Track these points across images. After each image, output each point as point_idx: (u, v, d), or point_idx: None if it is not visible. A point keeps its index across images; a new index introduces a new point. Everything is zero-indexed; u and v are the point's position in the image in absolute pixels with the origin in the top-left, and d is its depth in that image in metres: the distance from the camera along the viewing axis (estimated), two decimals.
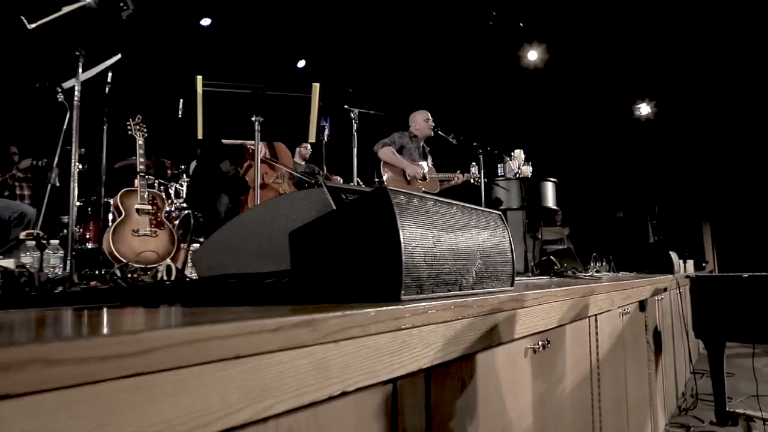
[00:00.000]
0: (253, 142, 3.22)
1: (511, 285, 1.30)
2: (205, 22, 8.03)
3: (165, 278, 1.85)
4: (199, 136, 2.42)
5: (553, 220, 9.72)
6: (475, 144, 4.05)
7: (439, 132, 4.29)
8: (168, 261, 2.82)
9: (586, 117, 9.29)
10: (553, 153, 8.98)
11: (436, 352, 0.87)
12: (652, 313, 3.20)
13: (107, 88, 4.36)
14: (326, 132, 5.13)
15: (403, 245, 0.86)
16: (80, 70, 2.32)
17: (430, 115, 4.38)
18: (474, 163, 5.23)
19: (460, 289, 1.05)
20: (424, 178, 4.23)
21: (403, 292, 0.86)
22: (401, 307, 0.78)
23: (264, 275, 1.07)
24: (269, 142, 3.27)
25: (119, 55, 2.72)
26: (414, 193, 1.00)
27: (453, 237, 1.05)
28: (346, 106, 3.18)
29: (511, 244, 1.29)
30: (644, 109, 9.42)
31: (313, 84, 2.54)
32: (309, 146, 6.17)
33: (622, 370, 2.44)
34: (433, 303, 0.87)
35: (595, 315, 1.92)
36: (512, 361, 1.31)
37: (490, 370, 1.18)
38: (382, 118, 3.76)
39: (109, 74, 4.40)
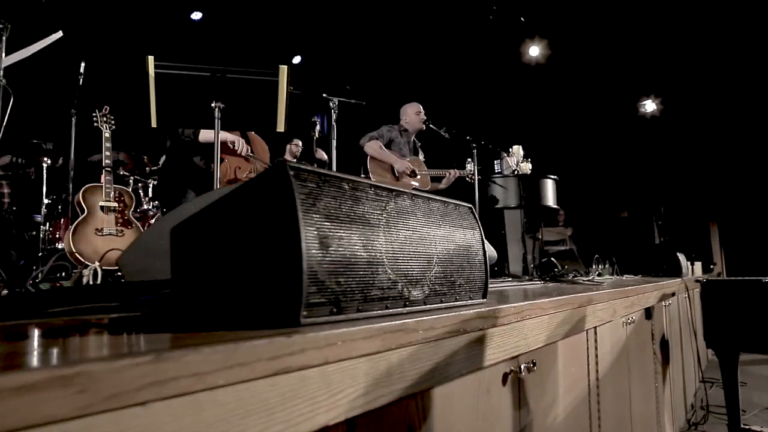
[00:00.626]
0: (233, 138, 2.97)
1: (484, 296, 1.03)
2: (196, 16, 7.82)
3: (90, 282, 1.60)
4: (153, 124, 2.16)
5: (555, 221, 9.43)
6: (468, 138, 3.77)
7: (431, 125, 4.02)
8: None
9: (590, 114, 9.00)
10: (555, 151, 8.70)
11: (353, 400, 0.61)
12: (659, 320, 2.92)
13: (80, 80, 4.12)
14: (317, 128, 4.89)
15: (305, 245, 0.60)
16: (2, 45, 2.07)
17: (422, 108, 4.12)
18: (469, 160, 4.95)
19: (406, 305, 0.78)
20: (413, 174, 3.96)
21: (304, 312, 0.59)
22: (285, 339, 0.52)
23: (152, 286, 0.81)
24: (242, 132, 3.02)
25: (60, 33, 2.47)
26: (341, 175, 0.73)
27: (397, 235, 0.79)
28: (324, 95, 2.92)
29: (483, 245, 1.02)
30: (650, 105, 9.11)
31: (281, 66, 2.27)
32: (300, 143, 5.91)
33: (626, 386, 2.17)
34: (350, 329, 0.60)
35: (595, 327, 1.64)
36: (486, 391, 1.05)
37: (454, 406, 0.92)
38: (369, 110, 3.50)
39: (82, 64, 4.15)
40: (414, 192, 0.89)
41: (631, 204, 9.37)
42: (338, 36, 7.66)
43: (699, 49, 8.02)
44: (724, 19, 7.48)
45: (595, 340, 1.72)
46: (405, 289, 0.78)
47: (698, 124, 9.15)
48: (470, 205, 1.05)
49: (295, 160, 5.86)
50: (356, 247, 0.69)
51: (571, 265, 6.03)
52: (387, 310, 0.74)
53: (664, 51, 8.32)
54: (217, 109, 2.22)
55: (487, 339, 0.93)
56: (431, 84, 8.15)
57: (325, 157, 5.80)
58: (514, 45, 9.06)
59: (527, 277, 4.32)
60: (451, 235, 0.93)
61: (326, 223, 0.65)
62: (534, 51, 9.35)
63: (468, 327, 0.85)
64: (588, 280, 2.78)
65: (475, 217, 1.05)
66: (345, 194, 0.71)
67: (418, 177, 3.97)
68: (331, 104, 2.95)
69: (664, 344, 3.15)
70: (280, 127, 2.28)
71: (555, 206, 4.94)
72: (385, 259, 0.74)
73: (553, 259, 5.31)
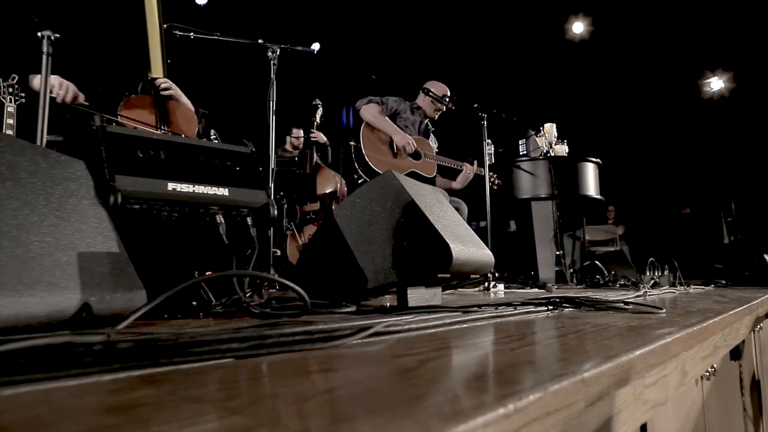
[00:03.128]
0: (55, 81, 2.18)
1: None
2: (202, 1, 7.27)
3: None
4: None
5: (603, 217, 8.31)
6: (476, 106, 2.90)
7: (431, 93, 3.17)
8: None
9: (645, 96, 7.83)
10: (604, 138, 7.59)
11: None
12: (749, 357, 1.97)
13: None
14: (319, 112, 4.17)
15: None
16: None
17: (448, 90, 3.26)
18: (489, 141, 4.07)
19: None
20: (417, 156, 3.12)
21: None
22: None
23: None
24: (160, 103, 2.30)
25: None
26: None
27: None
28: (260, 41, 2.14)
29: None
30: (716, 84, 7.85)
31: None
32: (300, 132, 5.17)
33: None
34: None
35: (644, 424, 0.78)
36: None
37: None
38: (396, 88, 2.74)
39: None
40: None
41: (695, 198, 8.12)
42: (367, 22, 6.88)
43: None
44: None
45: None
46: None
47: None
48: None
49: (295, 151, 5.12)
50: None
51: (621, 270, 4.98)
52: None
53: (733, 19, 7.08)
54: (46, 41, 1.47)
55: None
56: (461, 60, 7.24)
57: (324, 139, 5.06)
58: (557, 22, 8.05)
59: (554, 286, 3.39)
60: None
61: None
62: (578, 27, 8.34)
63: None
64: (638, 296, 1.87)
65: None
66: None
67: (423, 161, 3.13)
68: (269, 53, 2.15)
69: (755, 386, 2.18)
70: (157, 72, 1.53)
71: (597, 197, 3.98)
72: None
73: (597, 262, 4.37)
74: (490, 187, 3.33)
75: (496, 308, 1.21)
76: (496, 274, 5.39)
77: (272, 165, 2.55)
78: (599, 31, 8.04)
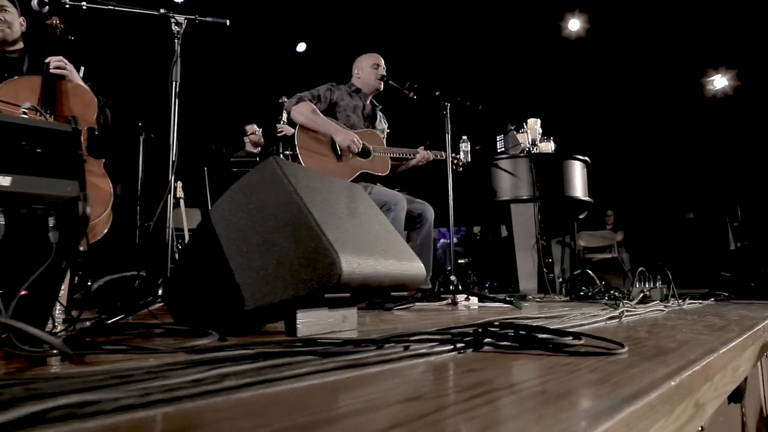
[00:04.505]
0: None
1: None
2: None
3: None
4: None
5: (601, 222, 7.88)
6: (437, 94, 2.53)
7: (391, 82, 2.81)
8: None
9: (646, 94, 7.43)
10: (603, 139, 7.21)
11: None
12: (754, 394, 1.57)
13: None
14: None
15: None
16: None
17: (381, 60, 2.91)
18: (464, 138, 3.69)
19: None
20: (365, 153, 2.75)
21: None
22: None
23: None
24: (49, 84, 1.95)
25: None
26: None
27: None
28: (162, 10, 1.78)
29: None
30: (719, 82, 7.45)
31: None
32: (257, 129, 4.82)
33: None
34: None
35: None
36: None
37: None
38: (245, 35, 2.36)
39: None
40: None
41: (699, 202, 7.69)
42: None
43: None
44: None
45: None
46: None
47: None
48: None
49: (258, 149, 4.77)
50: None
51: (616, 279, 4.57)
52: None
53: (734, 13, 6.70)
54: None
55: None
56: (442, 55, 6.89)
57: (292, 131, 4.76)
58: (553, 19, 7.70)
59: (530, 299, 3.02)
60: None
61: None
62: (574, 25, 7.98)
63: None
64: (611, 317, 1.48)
65: None
66: None
67: (374, 157, 2.75)
68: (174, 27, 1.79)
69: (763, 423, 1.78)
70: None
71: (585, 198, 3.59)
72: None
73: (589, 271, 3.98)
74: (455, 169, 2.95)
75: (389, 345, 0.83)
76: (472, 287, 4.99)
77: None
78: (596, 28, 7.67)
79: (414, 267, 1.35)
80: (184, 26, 1.83)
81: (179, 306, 1.30)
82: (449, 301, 2.68)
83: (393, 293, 1.35)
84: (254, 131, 4.71)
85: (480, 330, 0.94)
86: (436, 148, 3.00)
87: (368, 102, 2.95)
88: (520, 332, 0.94)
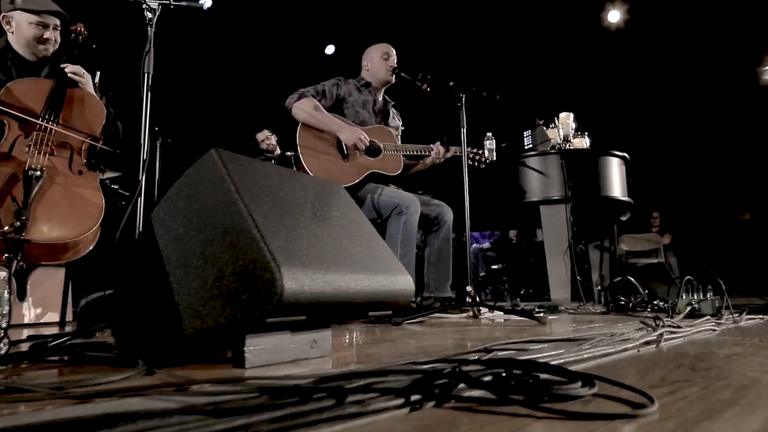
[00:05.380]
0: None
1: None
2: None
3: None
4: None
5: (646, 224, 7.38)
6: (451, 84, 2.29)
7: (402, 74, 2.58)
8: None
9: (695, 87, 6.92)
10: (648, 136, 6.75)
11: None
12: None
13: None
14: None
15: None
16: None
17: (393, 50, 2.68)
18: (489, 135, 3.42)
19: None
20: (375, 151, 2.52)
21: None
22: None
23: None
24: (59, 90, 1.84)
25: None
26: None
27: None
28: None
29: None
30: None
31: None
32: (270, 135, 4.65)
33: None
34: None
35: None
36: None
37: None
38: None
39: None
40: None
41: (756, 201, 7.09)
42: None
43: None
44: None
45: None
46: None
47: None
48: None
49: (271, 155, 4.59)
50: None
51: (662, 287, 4.21)
52: None
53: None
54: None
55: None
56: (476, 48, 6.60)
57: (274, 147, 4.59)
58: (593, 10, 7.30)
59: (562, 309, 2.72)
60: None
61: None
62: (614, 16, 7.57)
63: None
64: (649, 341, 1.20)
65: None
66: None
67: (384, 155, 2.52)
68: (148, 14, 1.62)
69: None
70: None
71: (624, 199, 3.27)
72: None
73: (631, 278, 3.65)
74: (476, 165, 2.69)
75: (319, 394, 0.60)
76: (505, 295, 4.67)
77: None
78: (637, 18, 7.23)
79: (398, 281, 1.12)
80: (158, 12, 1.66)
81: (123, 326, 1.12)
82: (470, 313, 2.42)
83: (371, 313, 1.12)
84: (266, 137, 4.55)
85: (455, 369, 0.70)
86: (456, 144, 2.75)
87: (380, 97, 2.73)
88: (510, 374, 0.69)
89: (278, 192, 1.01)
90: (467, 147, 2.80)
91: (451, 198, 2.85)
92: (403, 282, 1.14)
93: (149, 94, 1.60)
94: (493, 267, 6.42)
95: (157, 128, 3.89)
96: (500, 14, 6.70)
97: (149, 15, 1.66)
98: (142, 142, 1.58)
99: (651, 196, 6.23)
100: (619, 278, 3.79)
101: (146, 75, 1.61)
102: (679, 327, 1.46)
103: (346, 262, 1.03)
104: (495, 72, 6.51)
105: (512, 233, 6.51)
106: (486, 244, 6.56)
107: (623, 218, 6.70)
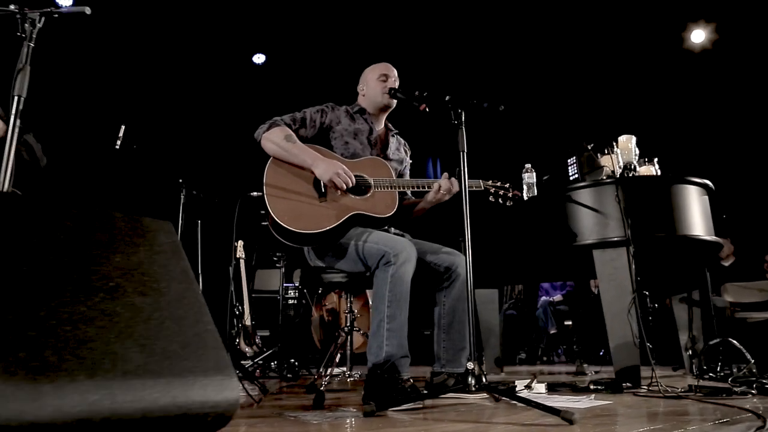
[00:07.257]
0: None
1: None
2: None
3: None
4: None
5: (760, 270, 6.15)
6: (447, 98, 1.79)
7: (398, 94, 2.13)
8: None
9: None
10: (737, 166, 5.71)
11: None
12: None
13: None
14: None
15: None
16: None
17: (392, 70, 2.26)
18: (527, 167, 2.86)
19: None
20: (364, 189, 2.05)
21: None
22: None
23: None
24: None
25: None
26: None
27: None
28: (12, 7, 1.31)
29: None
30: None
31: None
32: None
33: None
34: None
35: None
36: None
37: None
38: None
39: None
40: None
41: None
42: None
43: None
44: None
45: None
46: None
47: None
48: None
49: None
50: None
51: None
52: None
53: None
54: None
55: None
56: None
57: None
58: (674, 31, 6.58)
59: (654, 382, 2.02)
60: None
61: None
62: (698, 36, 6.80)
63: None
64: None
65: None
66: None
67: (373, 193, 2.05)
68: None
69: None
70: None
71: (708, 238, 2.52)
72: None
73: (733, 341, 2.95)
74: (501, 202, 2.14)
75: None
76: (577, 359, 3.87)
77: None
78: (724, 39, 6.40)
79: (207, 390, 0.63)
80: (39, 25, 1.35)
81: None
82: (485, 395, 1.82)
83: None
84: None
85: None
86: (476, 175, 2.22)
87: (378, 125, 2.29)
88: None
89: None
90: (490, 181, 2.27)
91: (475, 244, 2.29)
92: (217, 390, 0.64)
93: (18, 120, 1.27)
94: (566, 323, 5.58)
95: (181, 180, 3.72)
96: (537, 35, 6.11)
97: (28, 27, 1.36)
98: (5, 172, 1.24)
99: (756, 233, 5.18)
100: (717, 340, 2.97)
101: (18, 98, 1.30)
102: None
103: (112, 364, 0.56)
104: (532, 94, 5.87)
105: (593, 283, 5.66)
106: (557, 296, 5.75)
107: (726, 264, 5.59)
